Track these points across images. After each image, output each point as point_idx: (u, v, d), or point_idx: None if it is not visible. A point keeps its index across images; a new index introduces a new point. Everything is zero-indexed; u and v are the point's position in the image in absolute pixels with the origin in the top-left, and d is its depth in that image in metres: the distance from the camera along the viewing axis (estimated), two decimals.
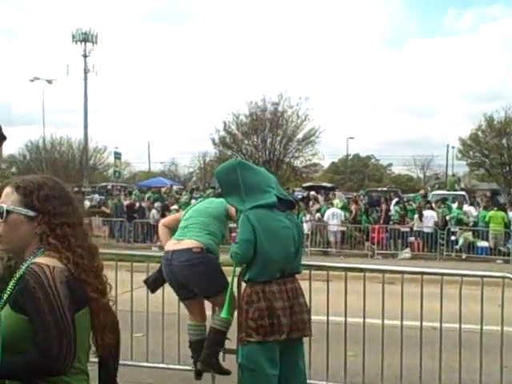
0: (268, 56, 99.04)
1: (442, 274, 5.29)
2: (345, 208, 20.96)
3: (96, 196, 28.70)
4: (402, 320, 5.22)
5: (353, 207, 20.84)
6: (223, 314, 4.80)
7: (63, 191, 2.27)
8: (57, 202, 2.20)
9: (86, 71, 41.98)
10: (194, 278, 4.98)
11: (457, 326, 5.11)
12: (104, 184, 40.09)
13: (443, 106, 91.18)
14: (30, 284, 2.05)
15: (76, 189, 34.70)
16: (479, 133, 42.05)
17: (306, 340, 4.72)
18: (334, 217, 19.64)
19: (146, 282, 5.41)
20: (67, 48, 45.81)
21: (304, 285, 4.75)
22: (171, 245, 5.14)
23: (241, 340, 4.41)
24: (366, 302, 5.30)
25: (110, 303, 2.33)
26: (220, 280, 4.94)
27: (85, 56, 42.25)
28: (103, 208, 23.84)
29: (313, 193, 26.79)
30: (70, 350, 2.07)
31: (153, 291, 5.43)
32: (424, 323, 5.23)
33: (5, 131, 2.87)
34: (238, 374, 4.63)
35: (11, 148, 48.28)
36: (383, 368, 5.22)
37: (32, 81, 43.68)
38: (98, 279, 2.25)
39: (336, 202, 21.79)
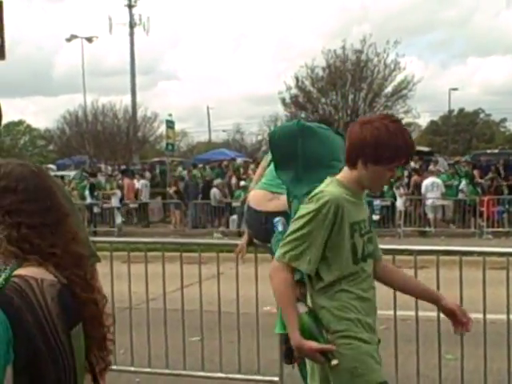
0: None
1: None
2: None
3: (147, 174, 29.18)
4: (508, 314, 5.14)
5: None
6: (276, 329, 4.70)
7: (34, 181, 2.16)
8: (20, 196, 2.09)
9: (131, 25, 42.24)
10: None
11: None
12: (157, 159, 40.61)
13: None
14: (15, 304, 1.89)
15: (123, 167, 35.44)
16: None
17: (385, 345, 4.68)
18: (434, 188, 19.35)
19: None
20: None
21: None
22: None
23: None
24: (464, 292, 5.23)
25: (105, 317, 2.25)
26: None
27: (130, 6, 42.50)
28: (172, 188, 24.09)
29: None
30: (69, 381, 2.00)
31: None
32: None
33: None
34: None
35: (49, 121, 49.41)
36: (486, 374, 5.16)
37: (69, 40, 43.86)
38: (90, 291, 2.15)
39: None
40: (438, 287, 5.24)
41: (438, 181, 19.58)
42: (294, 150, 4.09)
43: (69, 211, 2.23)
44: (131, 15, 42.50)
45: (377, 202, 19.88)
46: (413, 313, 5.33)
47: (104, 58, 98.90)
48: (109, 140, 46.18)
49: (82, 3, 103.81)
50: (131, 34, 42.25)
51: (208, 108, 67.81)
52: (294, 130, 4.16)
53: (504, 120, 71.74)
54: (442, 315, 5.25)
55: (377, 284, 5.29)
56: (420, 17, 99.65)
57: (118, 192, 24.33)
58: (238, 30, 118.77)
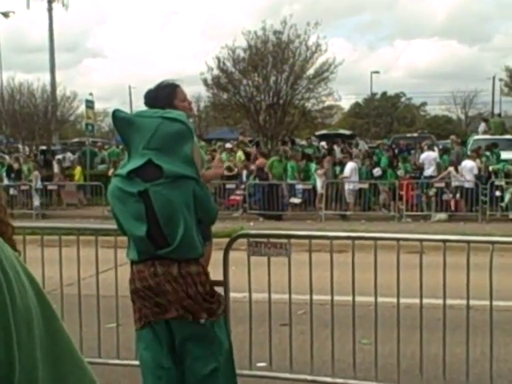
0: None
1: (469, 242, 5.26)
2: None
3: (69, 154, 28.63)
4: (421, 298, 5.22)
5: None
6: None
7: None
8: None
9: (50, 0, 41.52)
10: None
11: (487, 303, 5.12)
12: (77, 140, 39.88)
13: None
14: None
15: (43, 147, 34.68)
16: None
17: (303, 329, 4.73)
18: (357, 172, 19.60)
19: None
20: None
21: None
22: None
23: None
24: (380, 277, 5.30)
25: None
26: None
27: None
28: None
29: (323, 143, 26.80)
30: None
31: None
32: (449, 301, 5.20)
33: None
34: None
35: None
36: (399, 358, 5.25)
37: None
38: None
39: None
40: (354, 272, 5.31)
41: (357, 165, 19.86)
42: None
43: None
44: None
45: (298, 186, 19.96)
46: (329, 297, 5.39)
47: (26, 34, 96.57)
48: (26, 119, 45.00)
49: None
50: (49, 10, 41.43)
51: (130, 87, 66.94)
52: (113, 121, 4.42)
53: (424, 104, 73.17)
54: (357, 299, 5.35)
55: (293, 269, 5.36)
56: None
57: (37, 173, 23.83)
58: (169, 6, 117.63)
